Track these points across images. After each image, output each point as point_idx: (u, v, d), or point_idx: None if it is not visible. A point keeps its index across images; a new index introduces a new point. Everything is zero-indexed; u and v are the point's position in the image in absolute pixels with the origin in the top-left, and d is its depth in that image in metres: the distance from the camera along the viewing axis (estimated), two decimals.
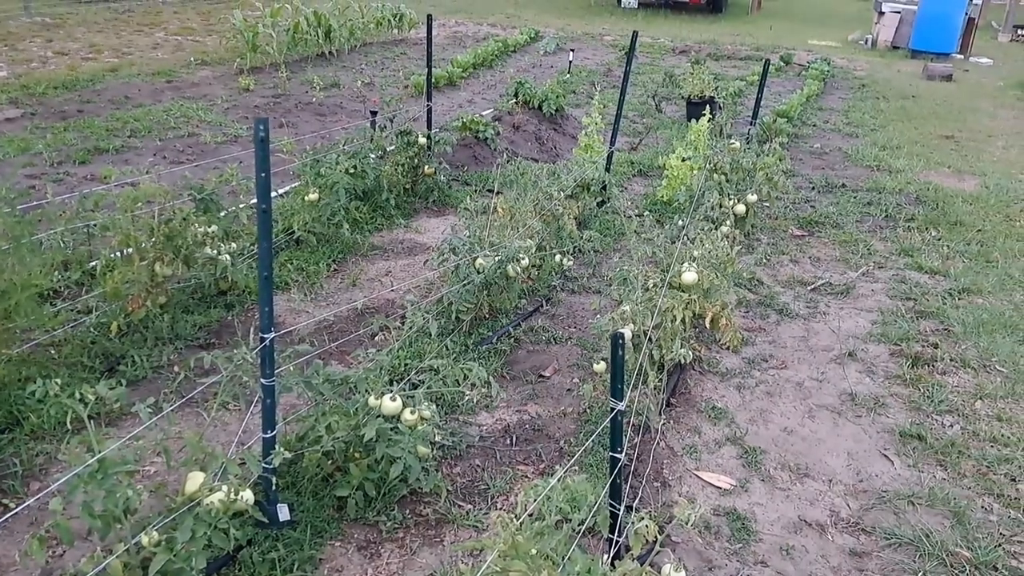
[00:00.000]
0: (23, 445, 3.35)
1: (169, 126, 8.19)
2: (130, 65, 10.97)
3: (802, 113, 10.43)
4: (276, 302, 4.77)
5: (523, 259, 4.58)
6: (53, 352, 3.97)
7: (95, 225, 4.33)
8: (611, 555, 2.41)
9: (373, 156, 6.18)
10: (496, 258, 4.48)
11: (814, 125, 10.18)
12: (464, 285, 4.44)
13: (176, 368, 3.99)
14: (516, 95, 9.03)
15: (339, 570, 2.83)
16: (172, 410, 2.92)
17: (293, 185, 6.41)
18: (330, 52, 12.76)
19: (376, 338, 4.43)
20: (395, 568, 2.87)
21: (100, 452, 2.32)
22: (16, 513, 2.92)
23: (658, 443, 3.63)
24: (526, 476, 3.45)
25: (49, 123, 7.96)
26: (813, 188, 7.57)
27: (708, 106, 7.67)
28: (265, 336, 2.72)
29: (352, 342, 4.32)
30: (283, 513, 2.89)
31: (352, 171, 5.67)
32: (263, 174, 2.54)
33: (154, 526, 2.33)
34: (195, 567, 2.27)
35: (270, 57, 11.43)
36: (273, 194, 6.18)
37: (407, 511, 3.15)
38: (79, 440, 2.43)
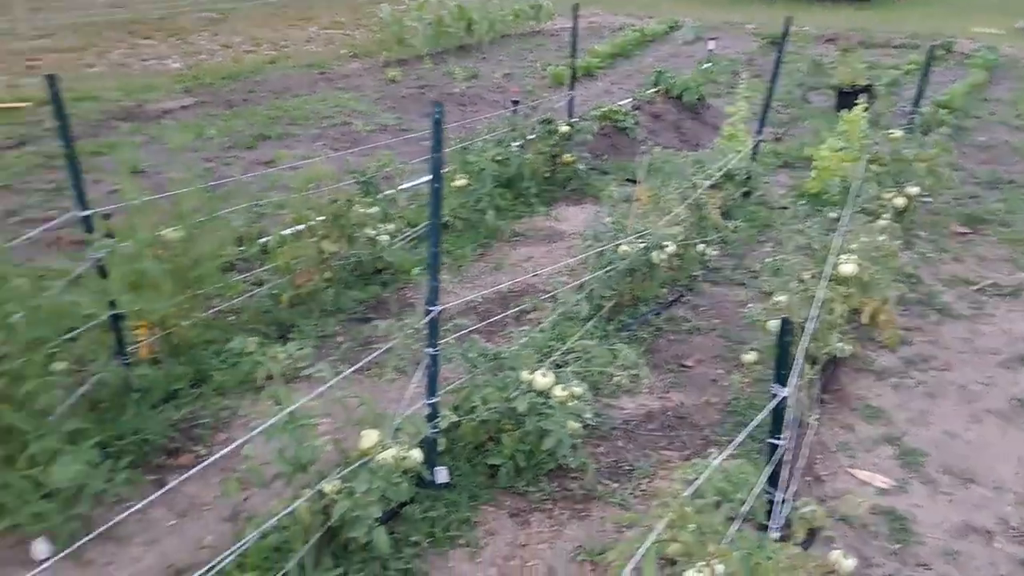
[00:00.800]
0: (209, 400, 3.68)
1: (324, 115, 8.66)
2: (286, 58, 11.65)
3: (965, 104, 9.77)
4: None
5: (668, 246, 4.57)
6: (232, 318, 4.33)
7: (264, 204, 4.67)
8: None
9: (515, 144, 6.32)
10: (641, 245, 4.49)
11: (978, 117, 9.53)
12: (607, 271, 4.48)
13: (339, 338, 4.25)
14: (656, 84, 8.97)
15: (493, 533, 2.96)
16: (343, 376, 3.13)
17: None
18: (471, 44, 13.07)
19: (521, 319, 4.56)
20: (546, 536, 2.96)
21: (289, 406, 2.53)
22: (208, 460, 3.21)
23: (811, 438, 3.55)
24: (670, 461, 3.46)
25: (218, 111, 8.61)
26: (978, 183, 7.11)
27: (863, 95, 7.34)
28: (431, 308, 2.88)
29: (498, 323, 4.46)
30: (441, 476, 3.05)
31: (498, 159, 5.83)
32: (437, 154, 2.68)
33: (336, 476, 2.52)
34: (371, 516, 2.45)
35: (414, 49, 11.84)
36: (421, 181, 6.49)
37: (555, 484, 3.24)
38: (269, 395, 2.67)
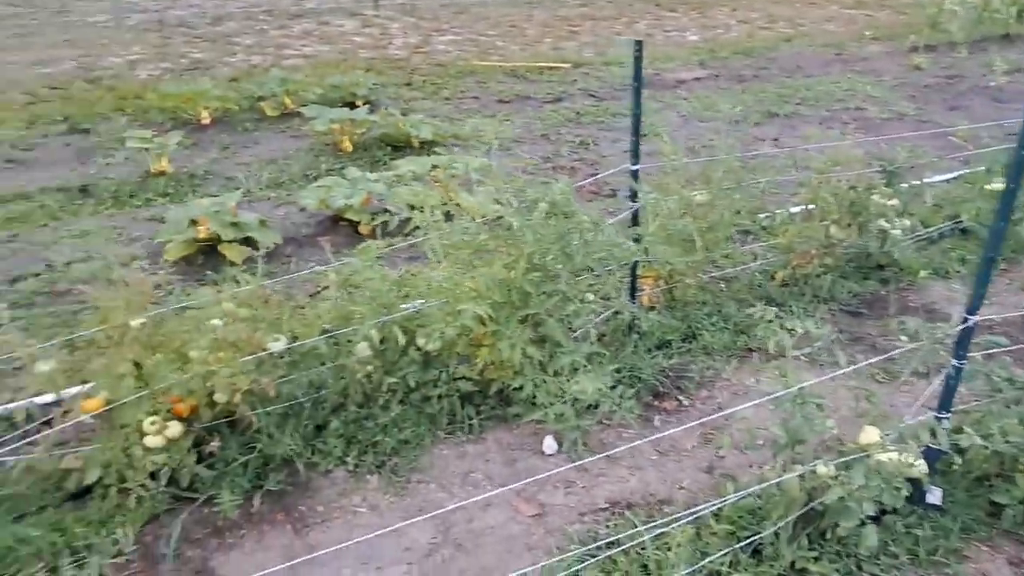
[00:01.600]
0: (696, 356, 3.91)
1: (836, 98, 8.34)
2: (802, 36, 11.42)
3: None
4: (933, 288, 4.58)
5: None
6: (723, 286, 4.50)
7: (783, 181, 4.69)
8: None
9: None
10: None
11: None
12: None
13: (827, 327, 4.15)
14: None
15: (985, 575, 2.67)
16: (856, 368, 3.06)
17: (963, 171, 5.98)
18: (1021, 33, 11.29)
19: None
20: None
21: (796, 382, 2.57)
22: (700, 418, 3.44)
23: None
24: None
25: (729, 85, 8.85)
26: None
27: None
28: (969, 316, 2.65)
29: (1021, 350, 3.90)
30: (934, 496, 2.83)
31: None
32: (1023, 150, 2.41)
33: (831, 461, 2.51)
34: (863, 511, 2.39)
35: (948, 35, 10.66)
36: (939, 178, 5.92)
37: None
38: (776, 366, 2.74)
